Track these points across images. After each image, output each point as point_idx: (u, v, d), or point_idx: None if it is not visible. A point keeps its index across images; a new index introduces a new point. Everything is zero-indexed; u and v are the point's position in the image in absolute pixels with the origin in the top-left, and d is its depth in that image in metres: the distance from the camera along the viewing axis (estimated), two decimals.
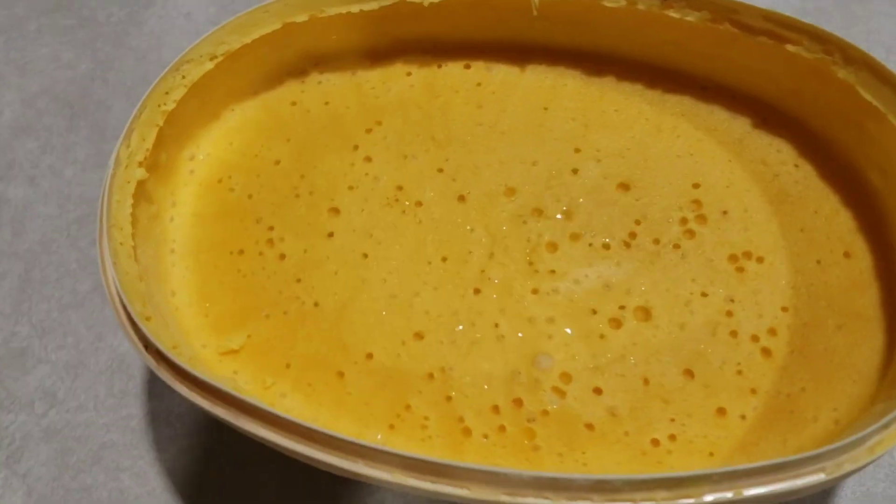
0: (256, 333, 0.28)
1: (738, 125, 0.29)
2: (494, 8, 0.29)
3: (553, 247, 0.28)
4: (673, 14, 0.27)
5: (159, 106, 0.27)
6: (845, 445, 0.21)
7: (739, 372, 0.26)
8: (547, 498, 0.21)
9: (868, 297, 0.27)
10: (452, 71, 0.31)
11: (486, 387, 0.26)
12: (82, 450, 0.34)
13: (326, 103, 0.31)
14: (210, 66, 0.28)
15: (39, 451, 0.34)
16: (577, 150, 0.29)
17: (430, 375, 0.27)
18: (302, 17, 0.29)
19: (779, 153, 0.29)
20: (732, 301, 0.27)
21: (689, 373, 0.26)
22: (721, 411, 0.26)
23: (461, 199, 0.29)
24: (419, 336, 0.27)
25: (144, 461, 0.33)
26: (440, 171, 0.29)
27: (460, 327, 0.27)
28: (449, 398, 0.26)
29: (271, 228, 0.29)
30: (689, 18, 0.27)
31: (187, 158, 0.30)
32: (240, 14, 0.28)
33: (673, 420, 0.26)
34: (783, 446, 0.25)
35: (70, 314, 0.37)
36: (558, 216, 0.28)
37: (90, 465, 0.34)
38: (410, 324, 0.27)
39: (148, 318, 0.25)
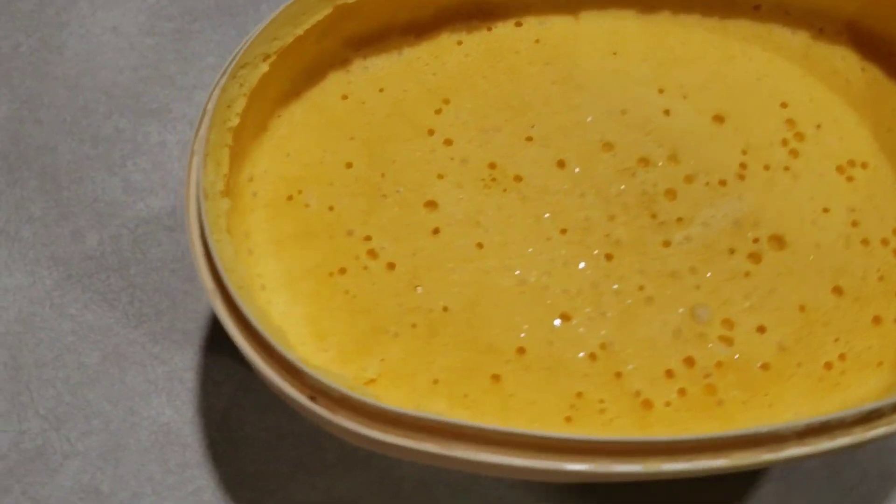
0: (390, 356, 0.24)
1: (799, 39, 0.29)
2: None
3: (671, 194, 0.27)
4: None
5: (225, 122, 0.23)
6: None
7: (881, 278, 0.26)
8: (809, 445, 0.20)
9: None
10: (504, 32, 0.29)
11: (652, 353, 0.25)
12: None
13: (381, 90, 0.28)
14: (265, 67, 0.24)
15: None
16: (661, 91, 0.28)
17: (592, 356, 0.25)
18: None
19: (844, 60, 0.29)
20: (853, 210, 0.27)
21: (838, 290, 0.26)
22: (876, 320, 0.26)
23: (560, 164, 0.27)
24: (566, 317, 0.25)
25: None
26: (529, 139, 0.27)
27: (606, 298, 0.25)
28: (619, 374, 0.24)
29: (368, 238, 0.26)
30: None
31: (246, 180, 0.26)
32: (288, 2, 0.24)
33: (837, 340, 0.25)
34: None
35: (85, 393, 0.32)
36: (664, 162, 0.27)
37: None
38: (553, 307, 0.25)
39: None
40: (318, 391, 0.20)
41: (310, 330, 0.24)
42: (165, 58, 0.38)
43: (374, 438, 0.20)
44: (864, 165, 0.27)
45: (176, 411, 0.31)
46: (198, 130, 0.23)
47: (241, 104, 0.24)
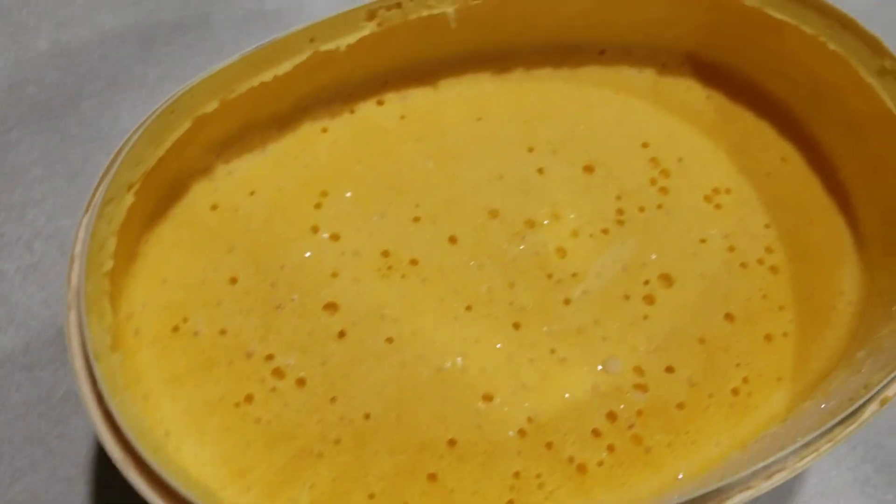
0: (319, 479, 0.23)
1: (646, 77, 0.30)
2: (407, 32, 0.26)
3: (561, 251, 0.27)
4: None
5: (100, 268, 0.21)
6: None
7: (764, 296, 0.28)
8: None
9: (816, 189, 0.29)
10: (368, 112, 0.28)
11: (577, 415, 0.25)
12: None
13: (252, 193, 0.26)
14: (131, 198, 0.22)
15: None
16: (531, 150, 0.28)
17: (521, 432, 0.24)
18: (212, 105, 0.23)
19: (689, 91, 0.31)
20: (727, 236, 0.28)
21: (730, 316, 0.27)
22: (768, 337, 0.27)
23: (452, 240, 0.27)
24: (489, 397, 0.25)
25: None
26: (416, 219, 0.27)
27: (523, 369, 0.25)
28: (550, 445, 0.24)
29: (271, 357, 0.24)
30: None
31: (125, 319, 0.23)
32: (144, 122, 0.22)
33: (738, 364, 0.26)
34: (824, 343, 0.27)
35: None
36: (547, 221, 0.27)
37: None
38: (474, 389, 0.25)
39: None
40: None
41: (227, 470, 0.23)
42: None
43: None
44: (727, 191, 0.29)
45: None
46: (69, 281, 0.20)
47: (112, 244, 0.21)
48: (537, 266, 0.27)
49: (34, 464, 0.29)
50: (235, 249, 0.25)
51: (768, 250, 0.28)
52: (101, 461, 0.30)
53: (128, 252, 0.24)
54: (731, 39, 0.29)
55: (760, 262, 0.28)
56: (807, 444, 0.21)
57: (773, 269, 0.28)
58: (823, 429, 0.21)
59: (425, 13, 0.26)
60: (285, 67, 0.24)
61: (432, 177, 0.27)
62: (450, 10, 0.26)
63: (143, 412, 0.23)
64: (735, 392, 0.26)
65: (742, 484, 0.21)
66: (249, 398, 0.24)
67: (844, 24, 0.27)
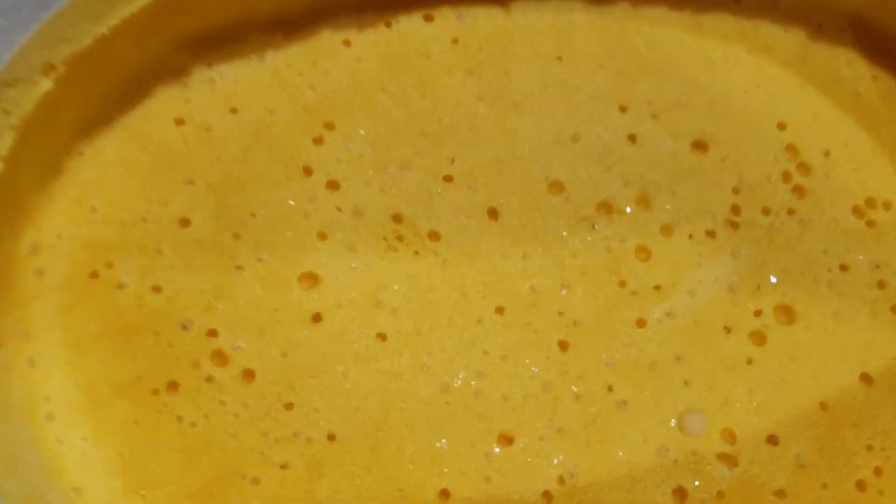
0: None
1: (793, 40, 0.23)
2: None
3: (644, 252, 0.20)
4: None
5: None
6: None
7: None
8: None
9: None
10: (409, 28, 0.22)
11: (629, 484, 0.18)
12: None
13: (234, 111, 0.20)
14: (48, 84, 0.16)
15: None
16: (624, 109, 0.22)
17: (547, 495, 0.18)
18: None
19: (850, 66, 0.23)
20: (878, 267, 0.22)
21: (867, 377, 0.21)
22: None
23: (492, 213, 0.20)
24: (508, 440, 0.19)
25: None
26: (448, 178, 0.21)
27: (563, 406, 0.18)
28: None
29: (213, 333, 0.19)
30: None
31: (28, 252, 0.18)
32: None
33: (871, 448, 0.20)
34: None
35: None
36: (630, 209, 0.20)
37: None
38: (489, 424, 0.19)
39: None
40: None
41: (123, 482, 0.17)
42: None
43: None
44: (886, 205, 0.22)
45: None
46: None
47: (7, 140, 0.15)
48: (607, 268, 0.21)
49: None
50: (196, 182, 0.19)
51: None
52: None
53: (45, 163, 0.18)
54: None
55: None
56: None
57: None
58: None
59: None
60: None
61: (481, 126, 0.21)
62: None
63: (25, 382, 0.16)
64: (860, 486, 0.20)
65: None
66: (174, 385, 0.18)
67: None
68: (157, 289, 0.19)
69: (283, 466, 0.17)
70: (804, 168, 0.22)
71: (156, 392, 0.18)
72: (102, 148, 0.20)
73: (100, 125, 0.19)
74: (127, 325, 0.18)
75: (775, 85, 0.23)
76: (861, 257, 0.22)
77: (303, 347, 0.19)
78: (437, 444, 0.18)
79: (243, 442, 0.17)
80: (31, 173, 0.18)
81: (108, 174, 0.19)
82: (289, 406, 0.18)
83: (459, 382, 0.19)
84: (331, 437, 0.18)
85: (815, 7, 0.24)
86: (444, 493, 0.18)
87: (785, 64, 0.24)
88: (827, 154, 0.23)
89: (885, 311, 0.21)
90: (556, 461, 0.18)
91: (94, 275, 0.19)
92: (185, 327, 0.18)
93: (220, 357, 0.18)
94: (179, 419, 0.18)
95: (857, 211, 0.22)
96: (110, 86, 0.19)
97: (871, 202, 0.22)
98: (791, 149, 0.22)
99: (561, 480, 0.18)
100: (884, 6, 0.23)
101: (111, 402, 0.17)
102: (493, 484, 0.18)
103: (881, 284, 0.21)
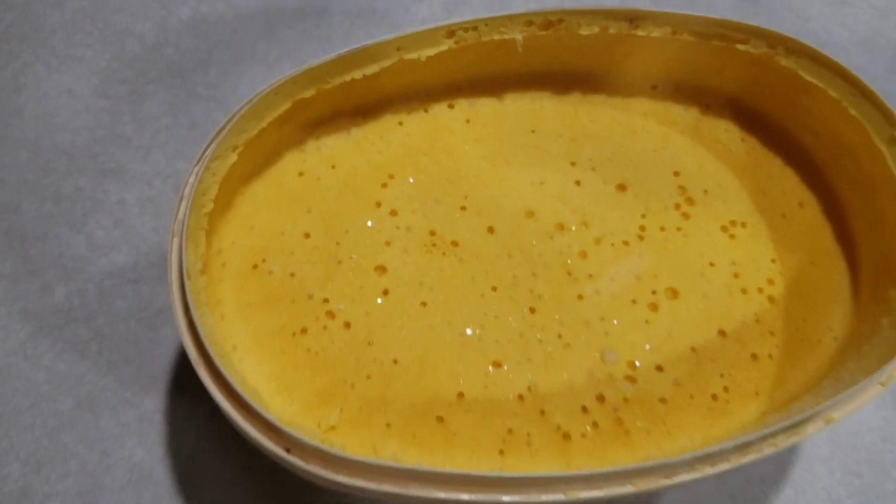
0: (348, 405, 0.28)
1: (690, 114, 0.34)
2: (480, 50, 0.31)
3: (583, 254, 0.31)
4: (640, 32, 0.31)
5: (201, 209, 0.27)
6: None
7: (757, 320, 0.31)
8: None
9: (825, 235, 0.33)
10: (439, 112, 0.33)
11: (570, 393, 0.29)
12: None
13: (333, 167, 0.31)
14: (234, 157, 0.28)
15: None
16: (573, 163, 0.33)
17: (520, 397, 0.29)
18: (309, 92, 0.29)
19: (727, 132, 0.34)
20: (734, 264, 0.32)
21: (722, 332, 0.31)
22: (754, 357, 0.31)
23: (490, 230, 0.31)
24: (498, 364, 0.29)
25: None
26: (463, 209, 0.31)
27: (530, 346, 0.30)
28: (542, 412, 0.29)
29: (326, 301, 0.30)
30: (654, 34, 0.31)
31: (215, 253, 0.29)
32: (252, 99, 0.28)
33: (722, 375, 0.30)
34: (804, 370, 0.31)
35: (62, 437, 0.34)
36: (576, 227, 0.32)
37: None
38: (486, 355, 0.29)
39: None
40: (293, 444, 0.24)
41: (277, 385, 0.28)
42: (120, 119, 0.41)
43: (341, 482, 0.24)
44: (743, 225, 0.33)
45: (147, 451, 0.34)
46: (177, 214, 0.26)
47: (213, 191, 0.27)
48: (560, 263, 0.31)
49: (127, 360, 0.36)
50: (312, 211, 0.31)
51: (770, 282, 0.32)
52: (182, 366, 0.36)
53: (225, 201, 0.30)
54: (769, 92, 0.33)
55: (760, 290, 0.32)
56: (749, 443, 0.25)
57: (771, 299, 0.32)
58: (766, 432, 0.25)
59: (497, 37, 0.30)
60: (373, 69, 0.30)
61: (483, 175, 0.32)
62: (518, 36, 0.31)
63: (218, 328, 0.28)
64: (714, 398, 0.30)
65: (687, 465, 0.25)
66: (304, 331, 0.29)
67: (864, 94, 0.30)
68: (292, 274, 0.29)
69: (368, 377, 0.29)
70: (689, 200, 0.33)
71: (294, 334, 0.29)
72: (255, 190, 0.31)
73: (254, 176, 0.31)
74: (275, 296, 0.29)
75: (675, 146, 0.33)
76: (724, 258, 0.31)
77: (377, 310, 0.29)
78: (457, 367, 0.30)
79: (345, 363, 0.29)
80: (219, 206, 0.30)
81: (259, 207, 0.31)
82: (370, 343, 0.29)
83: (470, 332, 0.29)
84: (395, 362, 0.29)
85: (706, 93, 0.34)
86: (461, 394, 0.29)
87: (682, 132, 0.34)
88: (706, 192, 0.33)
89: (737, 291, 0.31)
90: (528, 377, 0.30)
91: (255, 266, 0.30)
92: (310, 297, 0.29)
93: (330, 315, 0.29)
94: (308, 350, 0.29)
95: (723, 228, 0.32)
96: (261, 154, 0.31)
97: (733, 223, 0.32)
98: (682, 188, 0.33)
99: (529, 388, 0.29)
100: (752, 94, 0.34)
101: (268, 339, 0.29)
102: (489, 390, 0.29)
103: (735, 275, 0.31)
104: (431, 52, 0.30)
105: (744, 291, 0.31)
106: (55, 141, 0.40)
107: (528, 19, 0.30)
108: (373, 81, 0.30)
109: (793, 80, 0.32)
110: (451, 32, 0.30)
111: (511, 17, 0.30)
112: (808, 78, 0.31)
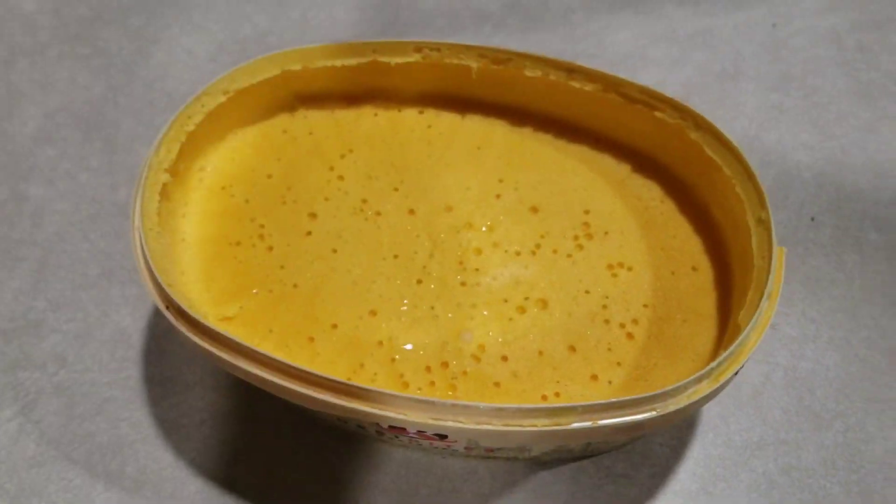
0: (247, 306, 0.36)
1: (621, 169, 0.39)
2: (442, 70, 0.38)
3: (479, 251, 0.37)
4: (575, 84, 0.37)
5: (183, 127, 0.36)
6: (671, 391, 0.30)
7: (609, 349, 0.35)
8: (459, 422, 0.30)
9: (707, 301, 0.36)
10: (409, 115, 0.40)
11: (421, 353, 0.35)
12: (87, 403, 0.41)
13: (311, 133, 0.40)
14: (223, 99, 0.37)
15: (51, 403, 0.41)
16: (501, 181, 0.38)
17: (380, 343, 0.35)
18: (297, 67, 0.38)
19: (650, 191, 0.38)
20: (607, 298, 0.36)
21: (573, 348, 0.35)
22: (594, 377, 0.34)
23: (411, 212, 0.38)
24: (373, 313, 0.36)
25: (140, 413, 0.41)
26: (396, 189, 0.38)
27: (405, 308, 0.36)
28: (393, 360, 0.35)
29: (262, 226, 0.37)
30: (587, 88, 0.37)
31: (198, 169, 0.38)
32: (249, 61, 0.37)
33: (558, 382, 0.34)
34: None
35: (81, 294, 0.44)
36: (483, 229, 0.37)
37: (93, 415, 0.41)
38: (367, 304, 0.36)
39: (170, 285, 0.33)
40: (175, 307, 0.32)
41: (204, 276, 0.36)
42: None
43: (205, 348, 0.32)
44: (629, 268, 0.37)
45: (134, 321, 0.44)
46: (166, 131, 0.36)
47: (198, 118, 0.36)
48: (456, 252, 0.37)
49: None
50: (281, 160, 0.39)
51: (634, 321, 0.36)
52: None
53: (219, 134, 0.38)
54: (687, 162, 0.37)
55: (622, 325, 0.35)
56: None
57: (630, 336, 0.35)
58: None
59: (455, 61, 0.37)
60: (351, 62, 0.38)
61: (424, 169, 0.38)
62: (474, 65, 0.37)
63: (178, 223, 0.37)
64: (544, 398, 0.34)
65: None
66: (238, 243, 0.37)
67: (748, 175, 0.34)
68: (247, 201, 0.37)
69: (270, 291, 0.36)
70: (588, 236, 0.37)
71: (230, 244, 0.36)
72: (245, 134, 0.39)
73: (248, 123, 0.39)
74: (228, 212, 0.36)
75: (596, 191, 0.37)
76: (600, 290, 0.35)
77: (297, 244, 0.35)
78: (340, 305, 0.36)
79: (258, 275, 0.36)
80: (208, 135, 0.38)
81: (244, 146, 0.39)
82: (282, 267, 0.37)
83: (362, 283, 0.37)
84: (295, 286, 0.36)
85: (637, 153, 0.39)
86: (334, 326, 0.36)
87: (608, 182, 0.38)
88: (606, 233, 0.37)
89: (600, 320, 0.34)
90: (391, 330, 0.35)
91: (223, 188, 0.38)
92: (252, 220, 0.37)
93: (260, 237, 0.35)
94: (235, 258, 0.37)
95: (609, 266, 0.36)
96: (258, 107, 0.40)
97: (621, 264, 0.36)
98: (586, 224, 0.37)
99: (389, 339, 0.35)
100: (677, 161, 0.38)
101: (211, 242, 0.36)
102: (358, 330, 0.35)
103: (605, 307, 0.35)
104: (401, 60, 0.37)
105: (606, 322, 0.35)
106: (165, 84, 0.52)
107: (481, 52, 0.37)
108: (354, 73, 0.38)
109: (702, 154, 0.36)
110: (418, 48, 0.37)
111: (468, 47, 0.37)
112: (710, 154, 0.35)
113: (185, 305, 0.32)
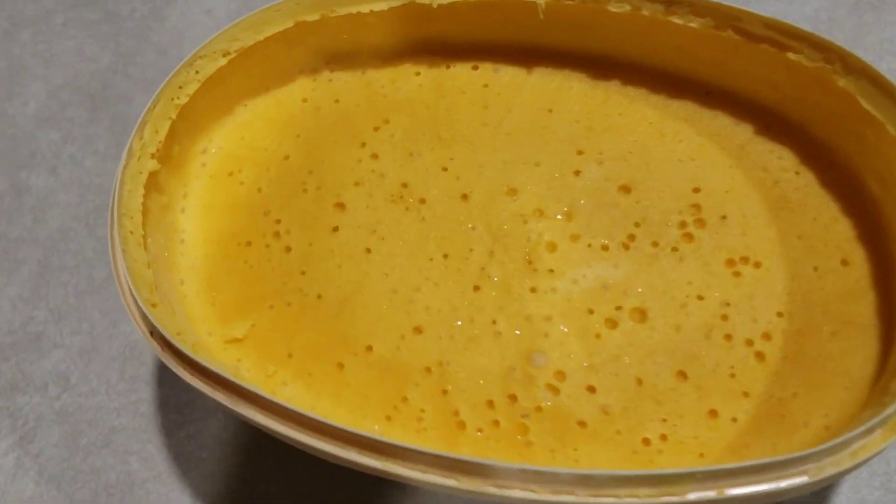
0: (260, 323, 0.28)
1: (741, 131, 0.30)
2: (501, 10, 0.30)
3: (552, 246, 0.29)
4: (676, 20, 0.28)
5: (172, 100, 0.28)
6: (829, 448, 0.21)
7: (732, 375, 0.26)
8: (532, 490, 0.22)
9: (864, 306, 0.27)
10: (460, 72, 0.32)
11: (481, 382, 0.27)
12: (93, 433, 0.35)
13: (337, 101, 0.32)
14: (223, 62, 0.29)
15: (52, 433, 0.35)
16: (580, 153, 0.30)
17: (428, 369, 0.27)
18: (313, 16, 0.29)
19: (780, 160, 0.29)
20: (728, 305, 0.27)
21: (683, 374, 0.27)
22: (713, 413, 0.26)
23: (464, 197, 0.30)
24: (418, 330, 0.28)
25: (152, 445, 0.34)
26: (444, 169, 0.30)
27: (459, 323, 0.28)
28: (445, 392, 0.27)
29: (278, 221, 0.30)
30: (692, 25, 0.28)
31: (199, 152, 0.31)
32: (252, 12, 0.29)
33: (665, 420, 0.26)
34: (772, 450, 0.25)
35: (86, 300, 0.38)
36: (559, 217, 0.29)
37: (100, 447, 0.35)
38: (410, 318, 0.28)
39: (154, 305, 0.26)
40: (157, 334, 0.25)
41: (207, 284, 0.29)
42: None
43: (184, 379, 0.24)
44: (756, 264, 0.28)
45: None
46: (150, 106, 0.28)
47: (192, 88, 0.29)
48: (524, 249, 0.29)
49: None
50: (301, 136, 0.31)
51: (765, 336, 0.27)
52: None
53: (225, 108, 0.31)
54: (835, 120, 0.28)
55: (749, 342, 0.27)
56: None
57: (759, 356, 0.27)
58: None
59: None
60: (382, 6, 0.29)
61: (479, 141, 0.30)
62: (540, 0, 0.29)
63: (176, 219, 0.30)
64: (646, 442, 0.26)
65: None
66: (249, 243, 0.30)
67: None
68: (259, 189, 0.30)
69: (288, 304, 0.29)
70: (700, 223, 0.28)
71: (239, 244, 0.29)
72: (258, 105, 0.32)
73: (260, 92, 0.32)
74: (237, 204, 0.30)
75: (707, 161, 0.29)
76: (717, 294, 0.27)
77: (321, 244, 0.29)
78: (377, 321, 0.28)
79: (273, 284, 0.28)
80: (209, 109, 0.31)
81: (256, 120, 0.32)
82: (303, 273, 0.28)
83: (403, 291, 0.28)
84: (318, 297, 0.28)
85: (766, 110, 0.30)
86: (369, 348, 0.27)
87: (723, 148, 0.30)
88: (724, 217, 0.28)
89: (718, 336, 0.27)
90: (441, 353, 0.27)
91: (231, 174, 0.31)
92: (266, 213, 0.30)
93: (276, 235, 0.29)
94: (245, 261, 0.29)
95: (729, 262, 0.28)
96: (272, 71, 0.32)
97: (745, 259, 0.28)
98: (696, 207, 0.29)
99: (439, 364, 0.27)
100: (819, 119, 0.29)
101: (215, 241, 0.29)
102: (400, 352, 0.27)
103: (724, 317, 0.27)
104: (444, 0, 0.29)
105: (727, 338, 0.27)
106: (181, 50, 0.45)
107: None
108: (385, 22, 0.30)
109: (854, 108, 0.26)
110: None
111: None
112: (866, 106, 0.26)
113: (171, 333, 0.24)
